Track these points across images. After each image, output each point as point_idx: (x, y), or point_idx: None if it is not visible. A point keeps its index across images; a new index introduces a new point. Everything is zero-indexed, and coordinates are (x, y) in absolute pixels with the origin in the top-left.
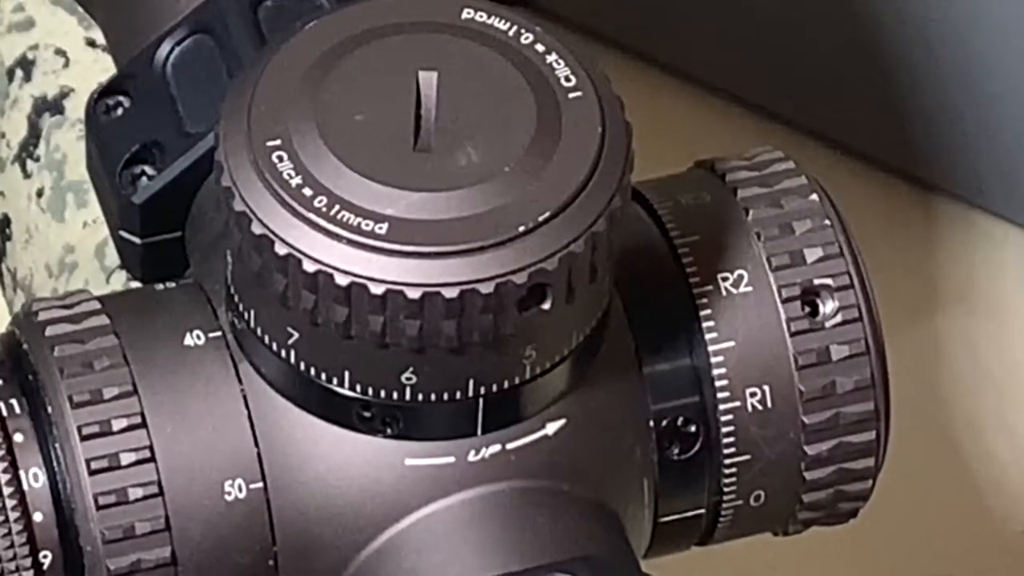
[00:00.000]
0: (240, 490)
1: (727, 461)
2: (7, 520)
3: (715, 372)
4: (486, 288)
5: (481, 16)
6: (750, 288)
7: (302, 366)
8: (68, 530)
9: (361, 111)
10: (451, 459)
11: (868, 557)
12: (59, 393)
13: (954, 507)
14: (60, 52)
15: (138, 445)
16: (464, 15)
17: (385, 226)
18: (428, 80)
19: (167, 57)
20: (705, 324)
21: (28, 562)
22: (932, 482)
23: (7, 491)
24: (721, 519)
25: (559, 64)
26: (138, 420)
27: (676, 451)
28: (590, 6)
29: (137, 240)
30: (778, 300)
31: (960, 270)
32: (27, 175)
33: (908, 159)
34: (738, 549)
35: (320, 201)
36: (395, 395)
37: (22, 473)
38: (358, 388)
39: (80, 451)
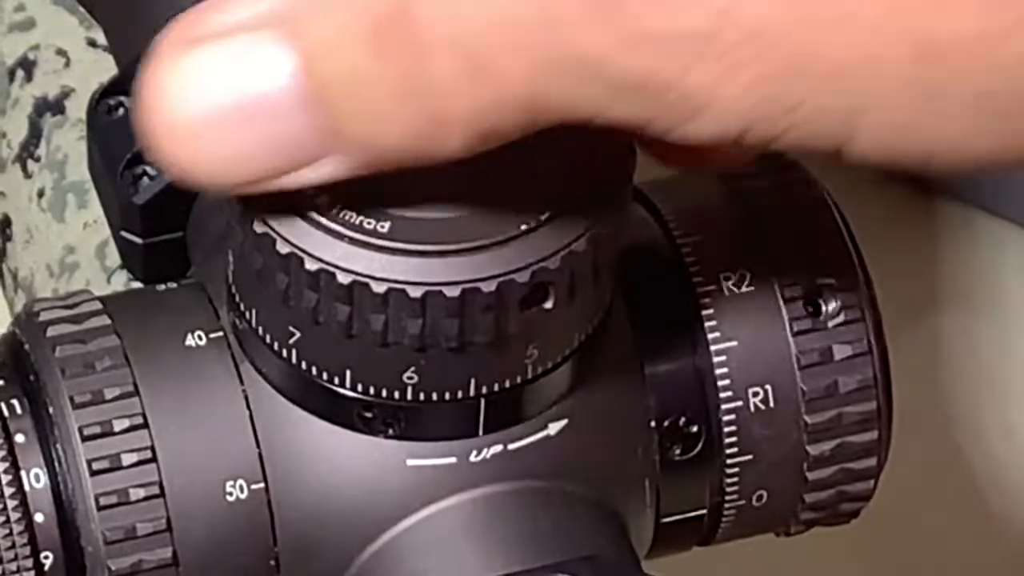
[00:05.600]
0: (241, 491)
1: (729, 461)
2: (8, 521)
3: (717, 372)
4: (488, 287)
5: None
6: (752, 288)
7: (303, 366)
8: (69, 531)
9: None
10: (452, 460)
11: (869, 557)
12: (60, 394)
13: (955, 507)
14: (61, 52)
15: (139, 446)
16: None
17: (387, 224)
18: None
19: None
20: (707, 324)
21: (29, 563)
22: (933, 482)
23: (8, 491)
24: (723, 519)
25: None
26: (139, 421)
27: (678, 451)
28: None
29: (138, 240)
30: (781, 300)
31: (961, 270)
32: (28, 175)
33: None
34: (740, 550)
35: (322, 199)
36: (396, 395)
37: (23, 474)
38: (359, 388)
39: (81, 452)
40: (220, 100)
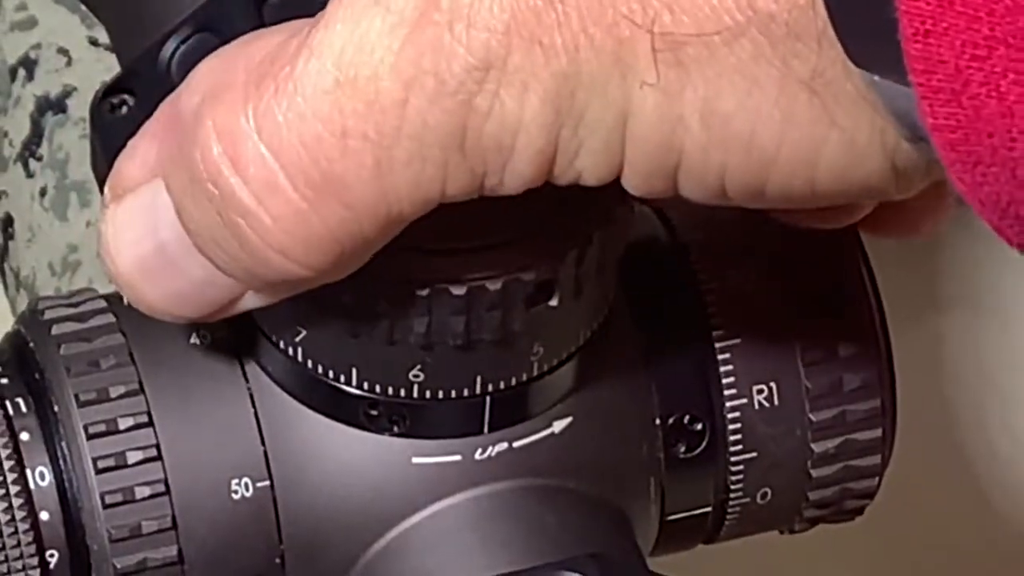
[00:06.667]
0: (247, 489)
1: (734, 459)
2: (14, 519)
3: (722, 369)
4: (494, 285)
5: None
6: (757, 285)
7: (309, 364)
8: (75, 529)
9: None
10: (458, 457)
11: (872, 555)
12: (66, 392)
13: (957, 505)
14: (63, 51)
15: (145, 444)
16: None
17: None
18: None
19: (171, 55)
20: (712, 321)
21: (35, 561)
22: (935, 480)
23: (13, 490)
24: (727, 517)
25: None
26: (145, 419)
27: (683, 449)
28: None
29: None
30: (785, 296)
31: (963, 269)
32: (30, 174)
33: None
34: (744, 547)
35: None
36: (402, 393)
37: (28, 472)
38: (365, 386)
39: (87, 450)
40: (142, 251)
